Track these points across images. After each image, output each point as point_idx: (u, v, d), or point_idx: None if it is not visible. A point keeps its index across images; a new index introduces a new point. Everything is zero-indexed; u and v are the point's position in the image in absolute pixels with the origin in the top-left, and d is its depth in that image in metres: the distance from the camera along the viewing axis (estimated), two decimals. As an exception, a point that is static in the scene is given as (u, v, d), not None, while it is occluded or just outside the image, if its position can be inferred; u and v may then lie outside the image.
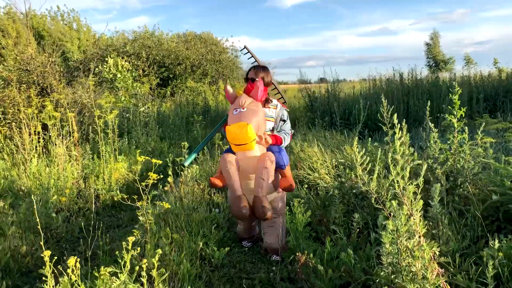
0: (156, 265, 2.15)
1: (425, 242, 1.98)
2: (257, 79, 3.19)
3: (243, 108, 2.85)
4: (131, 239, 2.15)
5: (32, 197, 3.13)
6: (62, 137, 5.17)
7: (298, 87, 9.85)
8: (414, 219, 2.00)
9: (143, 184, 2.82)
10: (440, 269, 1.97)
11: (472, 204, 2.87)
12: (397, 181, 2.00)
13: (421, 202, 2.00)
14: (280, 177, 3.10)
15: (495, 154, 3.23)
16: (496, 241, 2.08)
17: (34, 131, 5.11)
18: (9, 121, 5.53)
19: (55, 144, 5.03)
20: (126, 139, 6.58)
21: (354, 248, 2.67)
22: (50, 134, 5.07)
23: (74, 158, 5.19)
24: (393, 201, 2.00)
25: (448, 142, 3.27)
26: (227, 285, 2.79)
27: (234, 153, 2.98)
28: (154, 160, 3.02)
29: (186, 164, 3.33)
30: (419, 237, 1.98)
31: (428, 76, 9.79)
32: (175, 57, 13.14)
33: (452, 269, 2.20)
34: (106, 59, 9.47)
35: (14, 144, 5.25)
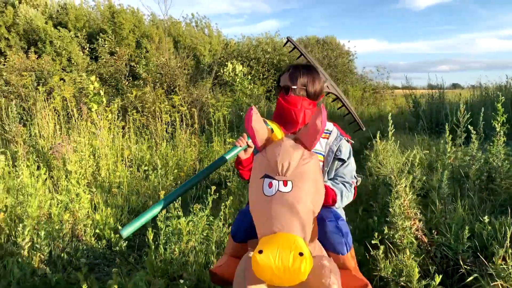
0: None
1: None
2: (294, 88, 2.02)
3: (285, 184, 1.60)
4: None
5: (159, 171, 4.59)
6: (185, 128, 6.77)
7: (403, 92, 10.38)
8: (406, 197, 2.92)
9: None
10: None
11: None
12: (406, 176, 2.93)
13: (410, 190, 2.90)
14: (338, 271, 1.67)
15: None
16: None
17: (165, 122, 6.79)
18: (146, 113, 7.33)
19: (179, 133, 6.64)
20: (236, 132, 8.05)
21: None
22: (176, 125, 6.71)
23: (193, 145, 6.72)
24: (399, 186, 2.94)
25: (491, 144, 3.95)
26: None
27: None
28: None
29: (124, 234, 1.77)
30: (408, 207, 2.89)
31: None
32: (290, 61, 14.51)
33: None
34: (227, 63, 11.15)
35: (149, 132, 6.99)
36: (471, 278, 2.46)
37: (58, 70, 11.16)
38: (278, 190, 1.59)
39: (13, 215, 3.80)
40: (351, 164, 2.16)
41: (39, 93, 6.73)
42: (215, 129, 6.79)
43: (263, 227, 1.58)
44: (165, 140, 6.57)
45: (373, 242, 2.77)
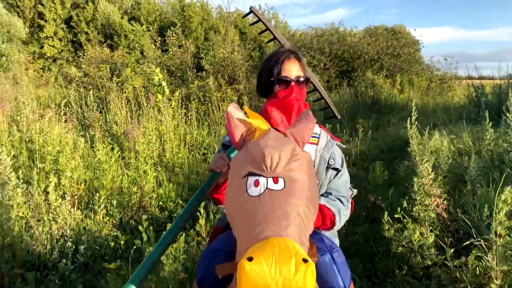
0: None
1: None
2: (295, 79, 1.82)
3: (276, 181, 1.33)
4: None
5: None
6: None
7: (470, 82, 10.22)
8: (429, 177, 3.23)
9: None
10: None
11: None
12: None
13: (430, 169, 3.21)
14: None
15: None
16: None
17: (223, 110, 7.39)
18: (207, 102, 7.96)
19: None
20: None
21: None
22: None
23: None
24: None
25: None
26: None
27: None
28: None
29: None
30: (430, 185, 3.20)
31: None
32: (354, 51, 14.64)
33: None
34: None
35: (210, 119, 7.62)
36: (466, 242, 2.74)
37: (132, 62, 12.16)
38: (267, 188, 1.30)
39: (91, 187, 4.53)
40: (345, 173, 1.93)
41: (113, 83, 7.58)
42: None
43: (249, 235, 1.23)
44: (223, 127, 7.16)
45: (395, 216, 3.12)
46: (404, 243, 2.83)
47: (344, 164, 1.95)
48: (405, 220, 3.09)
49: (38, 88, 9.76)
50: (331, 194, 1.86)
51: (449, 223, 3.11)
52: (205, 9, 20.99)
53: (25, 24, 18.73)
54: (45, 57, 18.46)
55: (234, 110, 1.56)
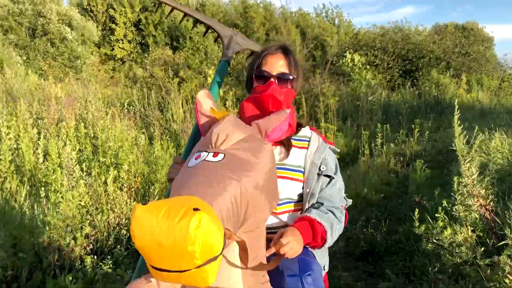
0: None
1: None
2: (277, 75, 1.68)
3: (215, 155, 1.27)
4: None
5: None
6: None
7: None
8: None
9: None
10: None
11: None
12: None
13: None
14: None
15: None
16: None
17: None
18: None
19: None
20: (349, 121, 8.46)
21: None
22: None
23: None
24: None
25: None
26: None
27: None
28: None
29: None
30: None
31: None
32: (419, 50, 14.25)
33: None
34: (344, 54, 11.52)
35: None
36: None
37: (196, 63, 12.62)
38: (204, 159, 1.26)
39: (147, 180, 4.86)
40: (339, 181, 1.75)
41: (174, 83, 7.98)
42: (323, 116, 7.34)
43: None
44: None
45: (436, 215, 3.12)
46: (434, 240, 2.84)
47: (338, 171, 1.75)
48: (439, 220, 3.08)
49: (106, 88, 10.43)
50: (322, 204, 1.65)
51: (492, 224, 3.06)
52: (268, 9, 21.26)
53: (97, 28, 19.96)
54: (115, 58, 19.57)
55: (203, 97, 1.50)
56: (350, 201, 1.82)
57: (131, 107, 7.37)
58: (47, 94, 7.97)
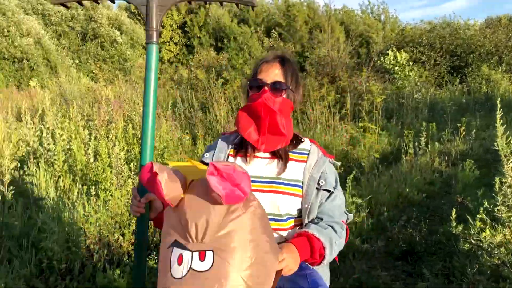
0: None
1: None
2: (271, 84, 1.64)
3: (202, 257, 1.11)
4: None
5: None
6: (338, 114, 7.45)
7: None
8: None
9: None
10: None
11: None
12: None
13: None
14: None
15: None
16: None
17: (324, 108, 7.59)
18: (305, 101, 8.19)
19: (333, 119, 7.35)
20: (394, 120, 8.36)
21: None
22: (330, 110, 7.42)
23: (344, 130, 7.35)
24: None
25: None
26: None
27: None
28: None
29: None
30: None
31: None
32: (468, 45, 13.82)
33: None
34: (387, 51, 11.35)
35: (307, 118, 7.85)
36: None
37: (239, 63, 12.82)
38: (190, 267, 1.10)
39: (191, 179, 5.05)
40: (340, 195, 1.69)
41: (218, 84, 8.17)
42: (367, 115, 7.29)
43: None
44: (319, 124, 7.34)
45: (478, 216, 3.08)
46: (472, 240, 2.81)
47: (338, 185, 1.70)
48: (477, 220, 3.04)
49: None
50: (322, 219, 1.60)
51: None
52: (311, 7, 21.20)
53: (145, 30, 20.60)
54: (162, 60, 20.13)
55: (160, 170, 1.20)
56: (351, 216, 1.76)
57: (176, 108, 7.61)
58: (97, 97, 8.36)
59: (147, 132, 1.64)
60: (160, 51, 20.44)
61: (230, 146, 1.75)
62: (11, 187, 3.46)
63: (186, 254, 1.12)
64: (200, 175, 1.24)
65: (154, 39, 1.65)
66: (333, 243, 1.53)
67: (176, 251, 1.14)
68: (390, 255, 3.56)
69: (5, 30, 16.03)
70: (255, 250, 1.14)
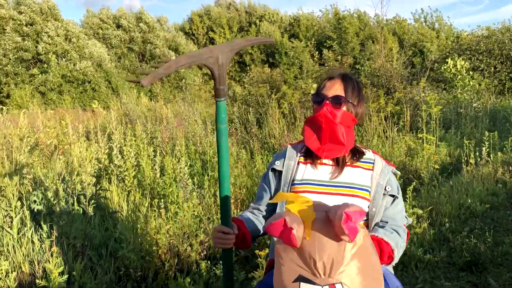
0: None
1: None
2: (331, 98, 1.81)
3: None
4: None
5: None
6: (396, 126, 7.44)
7: None
8: None
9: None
10: None
11: None
12: None
13: None
14: None
15: None
16: None
17: (381, 119, 7.61)
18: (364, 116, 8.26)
19: (391, 130, 7.35)
20: (452, 130, 8.21)
21: None
22: (388, 122, 7.43)
23: (403, 141, 7.32)
24: None
25: None
26: None
27: None
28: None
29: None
30: None
31: None
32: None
33: None
34: (447, 60, 11.15)
35: (364, 130, 7.89)
36: None
37: (291, 78, 13.02)
38: None
39: (251, 192, 5.23)
40: (401, 201, 1.88)
41: (273, 100, 8.38)
42: (425, 126, 7.23)
43: None
44: (376, 136, 7.36)
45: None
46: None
47: (400, 192, 1.87)
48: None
49: (209, 107, 11.18)
50: (387, 223, 1.79)
51: None
52: (361, 19, 21.15)
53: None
54: (216, 78, 20.72)
55: (291, 222, 1.29)
56: (410, 220, 1.93)
57: (232, 124, 7.88)
58: (158, 115, 8.81)
59: (225, 173, 1.84)
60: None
61: (299, 154, 1.93)
62: (92, 202, 3.79)
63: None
64: (311, 213, 1.36)
65: (222, 97, 1.74)
66: (399, 246, 1.71)
67: (305, 286, 1.27)
68: (454, 265, 3.56)
69: (69, 55, 17.13)
70: (373, 273, 1.31)
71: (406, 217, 1.89)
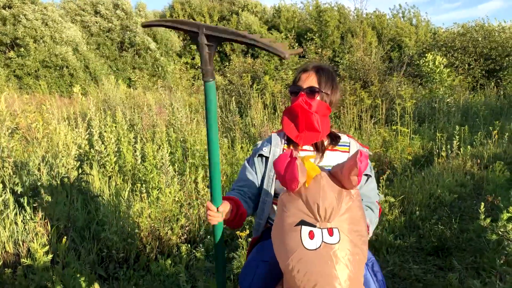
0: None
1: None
2: (306, 89, 1.97)
3: (331, 233, 1.43)
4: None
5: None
6: (373, 119, 7.66)
7: None
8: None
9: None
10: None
11: None
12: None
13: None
14: None
15: None
16: None
17: (356, 113, 7.82)
18: (339, 105, 8.43)
19: (367, 123, 7.56)
20: (426, 124, 8.50)
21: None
22: (362, 116, 7.63)
23: (377, 133, 7.55)
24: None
25: None
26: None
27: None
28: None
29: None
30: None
31: None
32: (503, 48, 13.75)
33: None
34: (426, 54, 11.44)
35: (341, 122, 8.09)
36: None
37: (271, 69, 13.14)
38: (323, 241, 1.39)
39: (231, 179, 5.36)
40: (374, 180, 2.03)
41: (254, 90, 8.50)
42: (399, 119, 7.47)
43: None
44: (353, 128, 7.56)
45: (506, 213, 3.28)
46: (499, 232, 3.00)
47: (373, 171, 2.05)
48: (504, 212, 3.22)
49: (190, 96, 11.24)
50: (362, 200, 1.79)
51: None
52: (342, 12, 21.35)
53: (179, 38, 21.18)
54: (196, 67, 20.66)
55: (300, 163, 1.45)
56: (382, 196, 2.07)
57: (213, 113, 7.98)
58: (137, 102, 8.83)
59: (214, 152, 1.86)
60: (193, 58, 21.02)
61: (283, 141, 2.09)
62: (76, 185, 3.86)
63: (317, 231, 1.41)
64: (316, 169, 1.52)
65: (210, 77, 1.69)
66: (373, 222, 1.91)
67: (306, 229, 1.42)
68: (422, 250, 3.78)
69: (48, 39, 16.83)
70: (363, 230, 1.48)
71: (378, 194, 2.06)
